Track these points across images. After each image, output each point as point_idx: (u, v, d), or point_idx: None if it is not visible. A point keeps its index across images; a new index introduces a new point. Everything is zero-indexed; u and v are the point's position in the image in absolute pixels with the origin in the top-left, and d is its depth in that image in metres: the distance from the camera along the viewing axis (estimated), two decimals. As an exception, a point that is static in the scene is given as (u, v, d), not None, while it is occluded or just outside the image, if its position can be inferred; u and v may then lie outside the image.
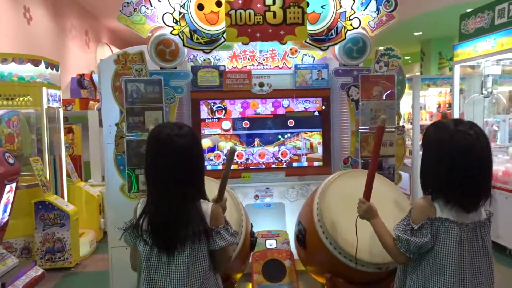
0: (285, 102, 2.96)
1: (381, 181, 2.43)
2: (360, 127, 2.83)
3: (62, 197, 4.98)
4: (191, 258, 1.58)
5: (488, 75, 5.01)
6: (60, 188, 5.05)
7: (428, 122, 7.34)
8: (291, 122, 2.97)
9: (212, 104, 2.88)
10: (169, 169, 1.58)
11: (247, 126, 2.94)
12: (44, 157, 4.76)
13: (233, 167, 2.92)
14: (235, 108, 2.91)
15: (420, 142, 4.94)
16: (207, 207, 1.64)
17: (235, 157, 2.91)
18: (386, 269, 2.15)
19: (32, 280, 3.76)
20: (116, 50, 9.25)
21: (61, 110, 5.15)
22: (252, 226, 2.44)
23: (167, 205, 1.58)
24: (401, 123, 6.68)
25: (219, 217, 1.66)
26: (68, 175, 5.39)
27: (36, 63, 4.57)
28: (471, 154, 1.57)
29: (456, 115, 5.59)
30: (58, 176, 5.01)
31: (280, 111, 2.96)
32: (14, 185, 3.64)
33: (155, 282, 1.60)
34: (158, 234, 1.58)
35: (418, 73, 11.96)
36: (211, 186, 2.28)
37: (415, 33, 10.56)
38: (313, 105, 2.99)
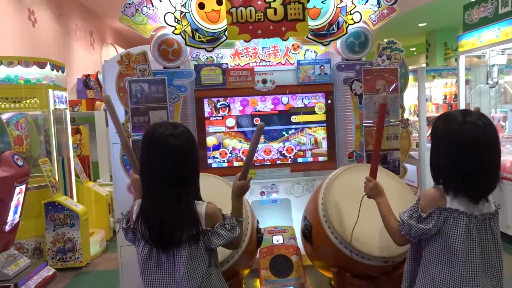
0: (287, 98, 2.96)
1: (385, 174, 2.43)
2: (364, 121, 2.83)
3: (71, 197, 5.03)
4: (189, 258, 1.58)
5: (493, 65, 4.97)
6: (69, 188, 5.11)
7: (435, 114, 7.29)
8: (295, 118, 2.98)
9: (216, 101, 2.90)
10: (162, 169, 1.57)
11: (251, 123, 2.95)
12: (52, 158, 4.82)
13: (237, 164, 2.95)
14: (239, 106, 2.93)
15: (428, 134, 4.91)
16: (201, 208, 1.63)
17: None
18: (392, 262, 2.16)
19: (44, 280, 3.83)
20: (121, 50, 9.30)
21: (67, 111, 5.20)
22: (258, 223, 2.46)
23: (161, 205, 1.57)
24: (407, 116, 6.64)
25: (215, 216, 1.65)
26: (77, 176, 5.45)
27: (42, 65, 4.61)
28: (479, 144, 1.58)
29: (462, 106, 5.55)
30: (66, 177, 5.06)
31: (284, 107, 2.97)
32: (24, 186, 3.70)
33: (155, 283, 1.62)
34: (153, 234, 1.59)
35: (424, 64, 11.86)
36: (215, 183, 2.32)
37: (420, 24, 10.45)
38: (316, 100, 2.99)
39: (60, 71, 4.97)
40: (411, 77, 6.95)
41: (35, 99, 4.55)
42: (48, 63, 4.70)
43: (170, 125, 1.65)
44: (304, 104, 2.98)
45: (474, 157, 1.58)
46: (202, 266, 1.62)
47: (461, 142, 1.59)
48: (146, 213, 1.61)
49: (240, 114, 2.94)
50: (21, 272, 3.67)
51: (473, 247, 1.63)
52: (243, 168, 1.80)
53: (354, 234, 2.12)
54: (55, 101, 4.76)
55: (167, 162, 1.58)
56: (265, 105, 2.96)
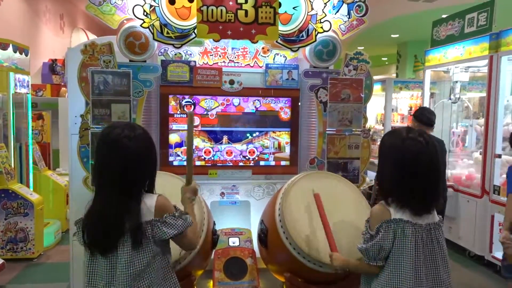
0: (254, 100, 2.96)
1: (342, 183, 2.48)
2: (327, 129, 2.87)
3: (27, 185, 4.86)
4: (133, 251, 1.56)
5: (456, 81, 5.14)
6: (26, 176, 4.93)
7: (400, 124, 7.50)
8: (259, 121, 2.98)
9: (181, 98, 2.87)
10: (113, 171, 1.54)
11: (216, 123, 2.94)
12: (9, 144, 4.63)
13: (200, 163, 2.93)
14: (204, 105, 2.90)
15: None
16: (151, 200, 1.61)
17: (197, 150, 2.90)
18: (344, 271, 2.19)
19: (-9, 270, 3.67)
20: (92, 36, 9.04)
21: (29, 96, 5.01)
22: (214, 224, 2.45)
23: (106, 205, 1.55)
24: (373, 124, 6.70)
25: (165, 208, 1.63)
26: (35, 163, 5.26)
27: (3, 46, 4.43)
28: (420, 159, 1.67)
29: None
30: (23, 164, 4.89)
31: (250, 109, 2.97)
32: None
33: (98, 283, 1.58)
34: (93, 232, 1.55)
35: (394, 75, 12.16)
36: (172, 182, 2.28)
37: (393, 35, 10.71)
38: (282, 104, 3.01)
39: (23, 53, 4.79)
40: (379, 86, 7.14)
41: (-6, 81, 4.36)
42: (10, 45, 4.52)
43: (127, 126, 1.61)
44: (270, 108, 2.99)
45: (415, 172, 1.67)
46: (146, 257, 1.59)
47: (403, 157, 1.69)
48: (93, 212, 1.57)
49: (204, 113, 2.91)
50: (-34, 262, 3.51)
51: (418, 256, 1.68)
52: (187, 174, 1.80)
53: (307, 241, 2.15)
54: (15, 85, 4.59)
55: (119, 164, 1.55)
56: (231, 106, 2.95)
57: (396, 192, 1.71)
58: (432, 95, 6.07)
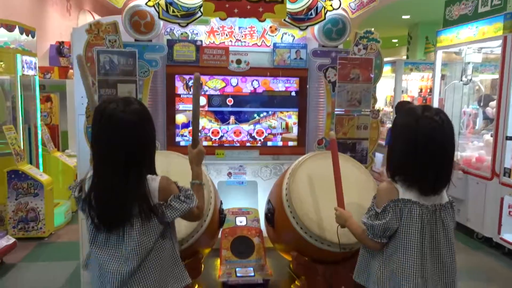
0: (262, 80, 2.93)
1: (351, 163, 2.46)
2: (335, 109, 2.84)
3: (37, 167, 4.91)
4: (140, 233, 1.56)
5: (468, 62, 5.04)
6: (35, 157, 4.98)
7: (409, 106, 7.40)
8: (267, 101, 2.95)
9: (187, 79, 2.84)
10: (111, 147, 1.53)
11: (223, 103, 2.92)
12: (18, 126, 4.67)
13: (207, 143, 2.92)
14: (211, 84, 2.88)
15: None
16: (154, 182, 1.60)
17: (202, 128, 2.89)
18: (350, 249, 2.20)
19: (3, 249, 3.75)
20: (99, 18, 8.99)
21: (37, 78, 5.02)
22: (221, 203, 2.45)
23: (109, 184, 1.53)
24: (382, 106, 6.65)
25: (168, 189, 1.62)
26: (44, 145, 5.31)
27: (10, 28, 4.42)
28: (434, 139, 1.61)
29: (435, 101, 5.65)
30: (32, 146, 4.93)
31: (257, 89, 2.94)
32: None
33: (103, 256, 1.59)
34: (103, 212, 1.56)
35: (405, 57, 11.96)
36: (179, 162, 2.28)
37: (404, 17, 10.49)
38: (290, 85, 2.97)
39: (30, 35, 4.77)
40: (389, 68, 7.03)
41: (2, 63, 4.36)
42: (17, 26, 4.51)
43: (122, 101, 1.58)
44: (277, 88, 2.96)
45: (428, 151, 1.61)
46: (152, 238, 1.59)
47: (416, 137, 1.62)
48: (95, 190, 1.57)
49: (211, 93, 2.89)
50: (-22, 240, 3.58)
51: (424, 236, 1.67)
52: (192, 134, 1.79)
53: (314, 221, 2.15)
54: (23, 67, 4.59)
55: (117, 140, 1.53)
56: (239, 86, 2.92)
57: (405, 171, 1.67)
58: (443, 77, 5.97)
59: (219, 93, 2.90)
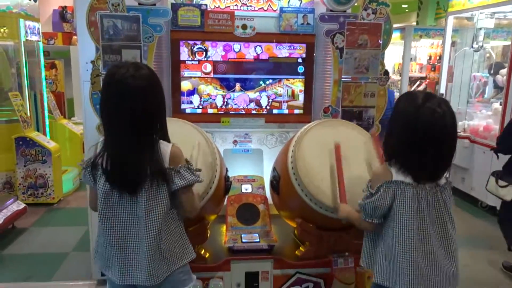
0: (267, 46, 2.87)
1: (357, 131, 2.44)
2: (342, 76, 2.79)
3: (44, 134, 4.95)
4: (150, 199, 1.59)
5: (480, 28, 4.91)
6: (42, 124, 5.01)
7: (418, 74, 7.30)
8: (272, 68, 2.91)
9: (192, 45, 2.80)
10: (122, 112, 1.53)
11: (229, 70, 2.88)
12: (24, 93, 4.67)
13: (212, 111, 2.91)
14: (217, 51, 2.83)
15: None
16: (166, 148, 1.62)
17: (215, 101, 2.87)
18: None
19: (14, 214, 3.84)
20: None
21: (40, 44, 4.98)
22: (227, 171, 2.46)
23: (122, 148, 1.55)
24: (390, 75, 6.58)
25: (179, 158, 1.65)
26: (50, 112, 5.33)
27: (12, -8, 4.34)
28: (434, 131, 1.57)
29: (445, 68, 5.55)
30: (39, 113, 4.95)
31: (263, 55, 2.89)
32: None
33: (113, 222, 1.62)
34: (115, 175, 1.58)
35: (414, 23, 11.66)
36: (185, 129, 2.28)
37: (415, -20, 10.17)
38: (297, 50, 2.91)
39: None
40: (398, 34, 6.87)
41: (5, 28, 4.32)
42: (18, -10, 4.43)
43: (132, 66, 1.58)
44: (284, 54, 2.91)
45: (426, 142, 1.58)
46: (164, 205, 1.62)
47: (415, 126, 1.58)
48: (108, 155, 1.59)
49: (217, 60, 2.85)
50: (-11, 205, 3.66)
51: (423, 217, 1.66)
52: None
53: (319, 188, 2.16)
54: (26, 32, 4.54)
55: (127, 105, 1.54)
56: (244, 52, 2.87)
57: (401, 158, 1.66)
58: (453, 43, 5.83)
59: (222, 59, 2.85)
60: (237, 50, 2.85)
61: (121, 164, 1.57)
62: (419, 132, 1.58)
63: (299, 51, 2.92)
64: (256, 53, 2.87)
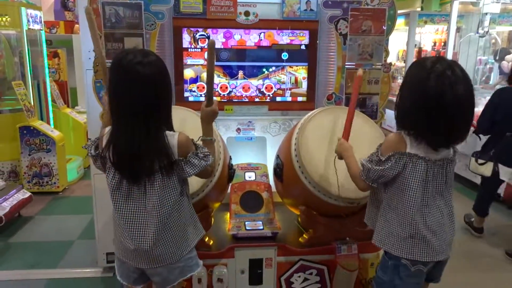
0: (270, 33, 2.85)
1: (361, 118, 2.43)
2: (346, 63, 2.77)
3: (48, 123, 4.96)
4: (161, 188, 1.60)
5: (486, 13, 4.84)
6: (46, 113, 5.02)
7: (422, 61, 7.21)
8: (276, 55, 2.88)
9: (195, 32, 2.78)
10: (131, 99, 1.53)
11: (231, 58, 2.86)
12: (27, 82, 4.67)
13: (215, 99, 2.89)
14: (218, 38, 2.81)
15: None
16: (173, 138, 1.62)
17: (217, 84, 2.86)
18: (358, 204, 2.22)
19: (20, 202, 3.87)
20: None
21: (43, 32, 4.96)
22: (230, 158, 2.47)
23: (131, 137, 1.55)
24: (394, 61, 6.50)
25: (187, 145, 1.65)
26: (54, 101, 5.33)
27: (13, -20, 4.32)
28: (445, 95, 1.55)
29: (449, 55, 5.49)
30: (42, 102, 4.96)
31: (266, 43, 2.87)
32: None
33: (124, 214, 1.63)
34: (124, 166, 1.59)
35: (419, 8, 11.52)
36: (190, 117, 2.28)
37: (420, -35, 10.01)
38: (300, 37, 2.89)
39: (33, -12, 4.67)
40: (402, 20, 6.78)
41: (7, 16, 4.30)
42: (19, -22, 4.40)
43: (139, 52, 1.58)
44: (287, 41, 2.88)
45: (439, 107, 1.56)
46: (173, 195, 1.64)
47: (426, 92, 1.57)
48: (116, 144, 1.59)
49: (219, 47, 2.83)
50: (-5, 194, 3.69)
51: (427, 190, 1.68)
52: (206, 93, 1.78)
53: (322, 175, 2.16)
54: (28, 21, 4.52)
55: (136, 92, 1.53)
56: (246, 39, 2.85)
57: (414, 126, 1.65)
58: (458, 29, 5.78)
59: (224, 47, 2.83)
60: (237, 38, 2.82)
61: (130, 153, 1.56)
62: (431, 98, 1.56)
63: (302, 37, 2.89)
64: (260, 38, 2.84)
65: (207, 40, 2.80)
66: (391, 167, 1.66)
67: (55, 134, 4.61)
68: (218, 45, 2.81)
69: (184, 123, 2.04)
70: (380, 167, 1.67)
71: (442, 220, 1.73)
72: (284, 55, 2.89)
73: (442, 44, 6.81)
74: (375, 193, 1.86)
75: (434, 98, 1.56)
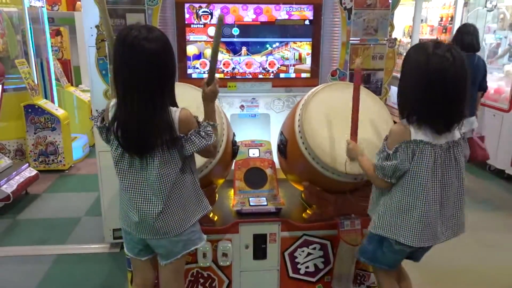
0: (272, 8, 2.80)
1: (365, 94, 2.41)
2: (351, 38, 2.73)
3: (52, 101, 4.97)
4: (161, 163, 1.62)
5: (495, -13, 4.73)
6: (50, 92, 5.03)
7: (429, 36, 7.11)
8: (279, 31, 2.85)
9: (197, 8, 2.74)
10: (136, 75, 1.53)
11: (234, 33, 2.83)
12: (30, 60, 4.66)
13: (219, 76, 2.88)
14: (215, 14, 2.76)
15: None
16: (175, 114, 1.63)
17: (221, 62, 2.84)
18: (361, 179, 2.23)
19: (26, 180, 3.92)
20: None
21: (44, 10, 4.92)
22: (234, 135, 2.47)
23: (135, 111, 1.56)
24: (400, 37, 6.37)
25: (189, 122, 1.65)
26: (57, 80, 5.33)
27: (12, -44, 4.25)
28: (446, 77, 1.58)
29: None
30: (46, 80, 4.95)
31: (269, 18, 2.82)
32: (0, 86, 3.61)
33: (127, 185, 1.66)
34: (127, 139, 1.60)
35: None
36: (192, 94, 2.27)
37: None
38: (304, 12, 2.84)
39: (33, -37, 4.60)
40: (409, -6, 6.64)
41: (7, -7, 4.26)
42: (19, -46, 4.34)
43: (144, 28, 1.57)
44: (290, 16, 2.84)
45: (439, 90, 1.59)
46: (174, 171, 1.66)
47: (427, 76, 1.59)
48: (120, 118, 1.60)
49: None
50: (2, 172, 3.74)
51: (435, 175, 1.69)
52: (209, 72, 1.77)
53: (326, 152, 2.16)
54: (29, -2, 4.47)
55: (142, 68, 1.54)
56: (248, 14, 2.81)
57: (417, 111, 1.67)
58: (465, 3, 5.65)
59: (229, 23, 2.79)
60: (235, 14, 2.77)
61: (135, 127, 1.58)
62: (432, 81, 1.59)
63: (306, 12, 2.84)
64: (261, 14, 2.80)
65: (209, 16, 2.77)
66: (403, 160, 1.68)
67: (59, 112, 4.63)
68: (214, 21, 2.77)
69: (184, 99, 2.02)
70: (392, 162, 1.69)
71: (448, 206, 1.75)
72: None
73: (449, 19, 6.69)
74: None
75: (435, 81, 1.58)
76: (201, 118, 1.76)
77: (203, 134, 1.67)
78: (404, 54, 1.81)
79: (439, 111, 1.63)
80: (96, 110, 1.72)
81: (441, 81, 1.58)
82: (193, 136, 1.64)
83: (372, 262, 1.99)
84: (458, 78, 1.60)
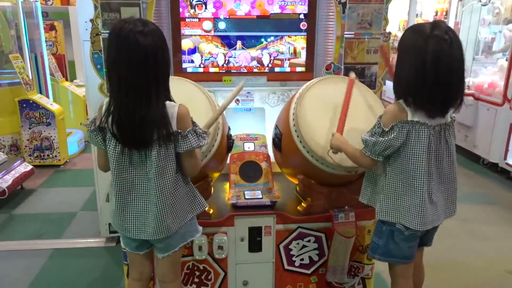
0: (266, 2, 2.80)
1: (358, 88, 2.43)
2: (345, 32, 2.75)
3: (47, 96, 4.96)
4: (159, 158, 1.62)
5: (489, -19, 4.75)
6: (44, 87, 5.01)
7: (424, 31, 7.12)
8: (274, 25, 2.85)
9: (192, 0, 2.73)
10: (131, 69, 1.53)
11: (229, 27, 2.83)
12: (24, 55, 4.64)
13: (214, 70, 2.89)
14: (208, 8, 2.76)
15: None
16: (173, 109, 1.63)
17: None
18: (355, 172, 2.25)
19: (22, 175, 3.92)
20: None
21: (38, 4, 4.89)
22: (229, 129, 2.48)
23: (130, 106, 1.56)
24: (395, 32, 6.42)
25: (186, 118, 1.66)
26: (52, 75, 5.31)
27: (5, -51, 4.22)
28: (443, 59, 1.58)
29: (451, 24, 5.42)
30: (41, 75, 4.94)
31: (262, 12, 2.83)
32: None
33: (125, 183, 1.66)
34: (124, 134, 1.60)
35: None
36: (188, 88, 2.28)
37: None
38: (298, 5, 2.85)
39: (26, -43, 4.57)
40: (404, -11, 6.66)
41: (1, -12, 4.23)
42: None
43: (139, 22, 1.57)
44: (285, 10, 2.84)
45: (436, 72, 1.59)
46: (171, 167, 1.66)
47: (424, 58, 1.58)
48: (115, 114, 1.59)
49: (217, 17, 2.79)
50: (-3, 167, 3.74)
51: (430, 157, 1.71)
52: (210, 120, 1.91)
53: (320, 145, 2.18)
54: (23, -8, 4.45)
55: (137, 61, 1.53)
56: (241, 9, 2.80)
57: (413, 93, 1.67)
58: (461, -2, 5.66)
59: (224, 17, 2.79)
60: (228, 8, 2.77)
61: (130, 121, 1.57)
62: (429, 62, 1.58)
63: (300, 5, 2.85)
64: (255, 8, 2.80)
65: (203, 6, 2.77)
66: (396, 137, 1.68)
67: (54, 107, 4.61)
68: (209, 15, 2.77)
69: (179, 92, 2.03)
70: (385, 138, 1.69)
71: (442, 187, 1.77)
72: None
73: (444, 13, 6.71)
74: (371, 170, 1.88)
75: (432, 62, 1.58)
76: (192, 114, 1.76)
77: (200, 132, 1.69)
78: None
79: (435, 94, 1.63)
80: (89, 121, 1.72)
81: (438, 63, 1.58)
82: (189, 134, 1.64)
83: (388, 258, 1.91)
84: (455, 60, 1.60)
